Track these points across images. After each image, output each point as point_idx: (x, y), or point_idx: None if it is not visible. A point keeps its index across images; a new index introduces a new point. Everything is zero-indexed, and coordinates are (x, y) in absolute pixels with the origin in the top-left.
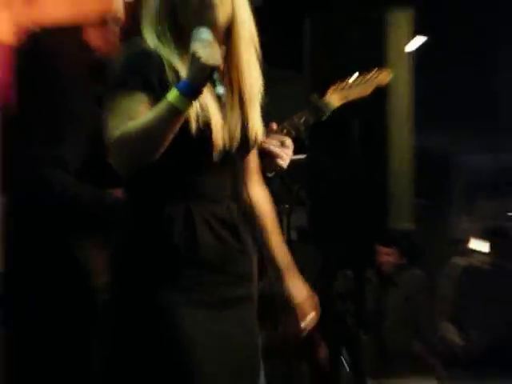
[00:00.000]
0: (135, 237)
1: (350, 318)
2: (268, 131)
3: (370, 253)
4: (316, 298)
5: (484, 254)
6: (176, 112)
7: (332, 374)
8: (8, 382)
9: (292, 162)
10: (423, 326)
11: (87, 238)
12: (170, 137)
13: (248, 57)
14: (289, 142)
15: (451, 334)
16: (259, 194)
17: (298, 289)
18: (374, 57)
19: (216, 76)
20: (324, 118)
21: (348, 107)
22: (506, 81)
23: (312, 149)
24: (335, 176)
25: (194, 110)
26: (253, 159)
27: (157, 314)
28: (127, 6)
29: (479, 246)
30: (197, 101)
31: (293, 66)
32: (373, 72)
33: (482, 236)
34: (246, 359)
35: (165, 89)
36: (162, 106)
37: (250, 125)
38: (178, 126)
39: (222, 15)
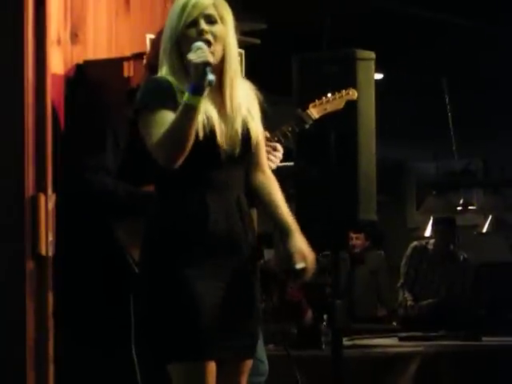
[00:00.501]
0: (160, 222)
1: (328, 288)
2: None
3: (343, 237)
4: (310, 256)
5: (430, 237)
6: (190, 108)
7: (315, 333)
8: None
9: (282, 168)
10: (384, 294)
11: (124, 223)
12: (193, 131)
13: (236, 81)
14: (279, 147)
15: (406, 299)
16: (264, 179)
17: (298, 242)
18: (346, 85)
19: (208, 69)
20: (307, 126)
21: (327, 123)
22: (449, 104)
23: (299, 157)
24: (317, 178)
25: (201, 122)
26: (259, 155)
27: (176, 282)
28: (151, 43)
29: (428, 232)
30: (203, 115)
31: (284, 90)
32: (343, 91)
33: (431, 224)
34: (242, 316)
35: (175, 103)
36: (180, 109)
37: (251, 131)
38: (195, 121)
39: (215, 53)
